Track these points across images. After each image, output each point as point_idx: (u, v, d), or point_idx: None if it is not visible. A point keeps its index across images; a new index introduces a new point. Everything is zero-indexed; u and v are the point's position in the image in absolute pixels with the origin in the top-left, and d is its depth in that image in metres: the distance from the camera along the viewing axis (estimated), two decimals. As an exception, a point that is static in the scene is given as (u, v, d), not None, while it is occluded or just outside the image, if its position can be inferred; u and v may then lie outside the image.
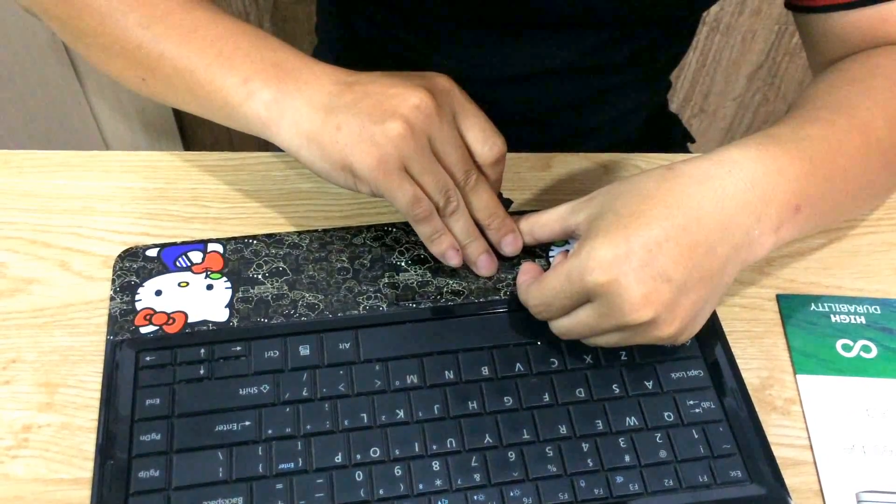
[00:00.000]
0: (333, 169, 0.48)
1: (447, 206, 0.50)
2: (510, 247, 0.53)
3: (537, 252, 0.55)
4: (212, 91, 0.50)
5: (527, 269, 0.52)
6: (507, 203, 0.54)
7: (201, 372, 0.48)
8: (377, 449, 0.46)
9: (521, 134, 0.74)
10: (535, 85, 0.70)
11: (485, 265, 0.53)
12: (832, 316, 0.54)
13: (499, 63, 0.68)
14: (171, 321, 0.50)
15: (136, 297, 0.51)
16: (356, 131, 0.46)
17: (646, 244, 0.43)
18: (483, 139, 0.50)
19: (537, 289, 0.48)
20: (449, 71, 0.70)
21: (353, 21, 0.76)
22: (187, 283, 0.52)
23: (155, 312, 0.51)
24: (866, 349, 0.53)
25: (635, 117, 0.79)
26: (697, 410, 0.48)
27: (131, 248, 0.54)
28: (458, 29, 0.67)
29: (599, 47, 0.67)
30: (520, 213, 0.53)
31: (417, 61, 0.71)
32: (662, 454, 0.47)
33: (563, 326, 0.48)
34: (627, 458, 0.46)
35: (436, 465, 0.46)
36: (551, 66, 0.68)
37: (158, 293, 0.51)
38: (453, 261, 0.52)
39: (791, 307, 0.55)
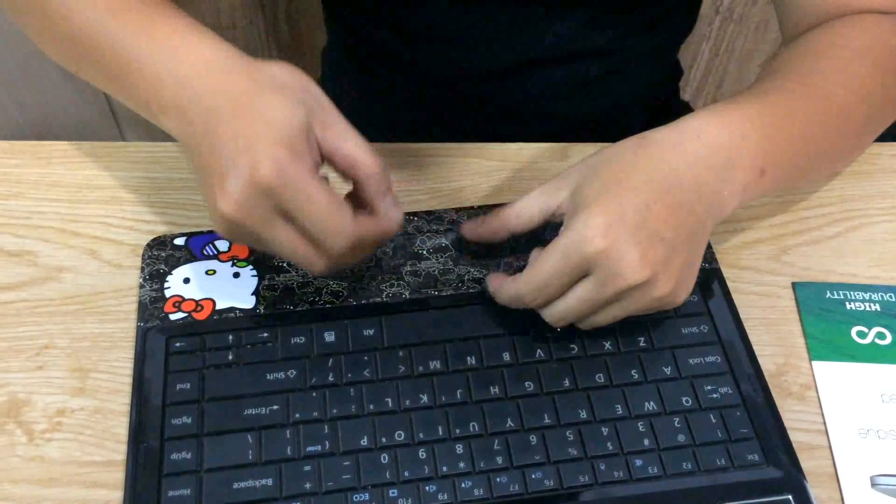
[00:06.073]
0: None
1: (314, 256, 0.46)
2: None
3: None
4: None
5: (496, 277, 0.51)
6: None
7: (230, 357, 0.49)
8: (402, 432, 0.47)
9: (517, 128, 0.75)
10: (524, 76, 0.70)
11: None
12: (847, 303, 0.55)
13: (485, 55, 0.69)
14: (199, 308, 0.52)
15: (165, 285, 0.52)
16: (203, 190, 0.45)
17: (637, 208, 0.45)
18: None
19: (530, 275, 0.47)
20: (437, 68, 0.71)
21: (343, 23, 0.77)
22: (214, 271, 0.53)
23: (183, 300, 0.52)
24: (881, 336, 0.54)
25: (638, 106, 0.80)
26: (715, 395, 0.49)
27: (159, 236, 0.55)
28: (441, 17, 0.67)
29: (583, 30, 0.67)
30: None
31: (407, 61, 0.72)
32: (681, 438, 0.48)
33: (558, 311, 0.47)
34: (646, 442, 0.47)
35: (459, 449, 0.47)
36: (537, 55, 0.68)
37: (187, 281, 0.53)
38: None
39: (807, 295, 0.55)
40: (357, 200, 0.47)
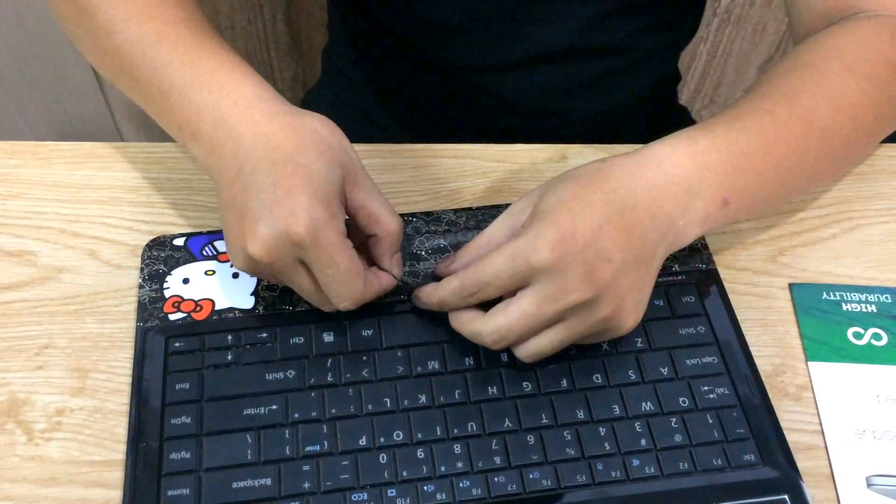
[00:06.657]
0: None
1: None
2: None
3: None
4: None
5: (424, 287, 0.51)
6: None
7: (229, 357, 0.50)
8: (400, 432, 0.47)
9: (515, 123, 0.75)
10: (530, 70, 0.70)
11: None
12: (844, 304, 0.55)
13: (496, 47, 0.69)
14: (198, 308, 0.52)
15: (165, 285, 0.53)
16: (228, 223, 0.47)
17: (589, 226, 0.45)
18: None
19: (475, 269, 0.47)
20: (444, 58, 0.71)
21: (349, 12, 0.77)
22: (214, 272, 0.53)
23: (183, 300, 0.52)
24: (877, 337, 0.54)
25: (639, 108, 0.80)
26: (712, 396, 0.50)
27: (159, 237, 0.55)
28: (452, 5, 0.67)
29: (594, 26, 0.67)
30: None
31: (413, 51, 0.72)
32: (678, 438, 0.48)
33: (499, 325, 0.46)
34: (643, 442, 0.48)
35: (457, 448, 0.47)
36: (546, 49, 0.68)
37: (186, 281, 0.53)
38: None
39: (803, 296, 0.56)
40: (357, 233, 0.50)
